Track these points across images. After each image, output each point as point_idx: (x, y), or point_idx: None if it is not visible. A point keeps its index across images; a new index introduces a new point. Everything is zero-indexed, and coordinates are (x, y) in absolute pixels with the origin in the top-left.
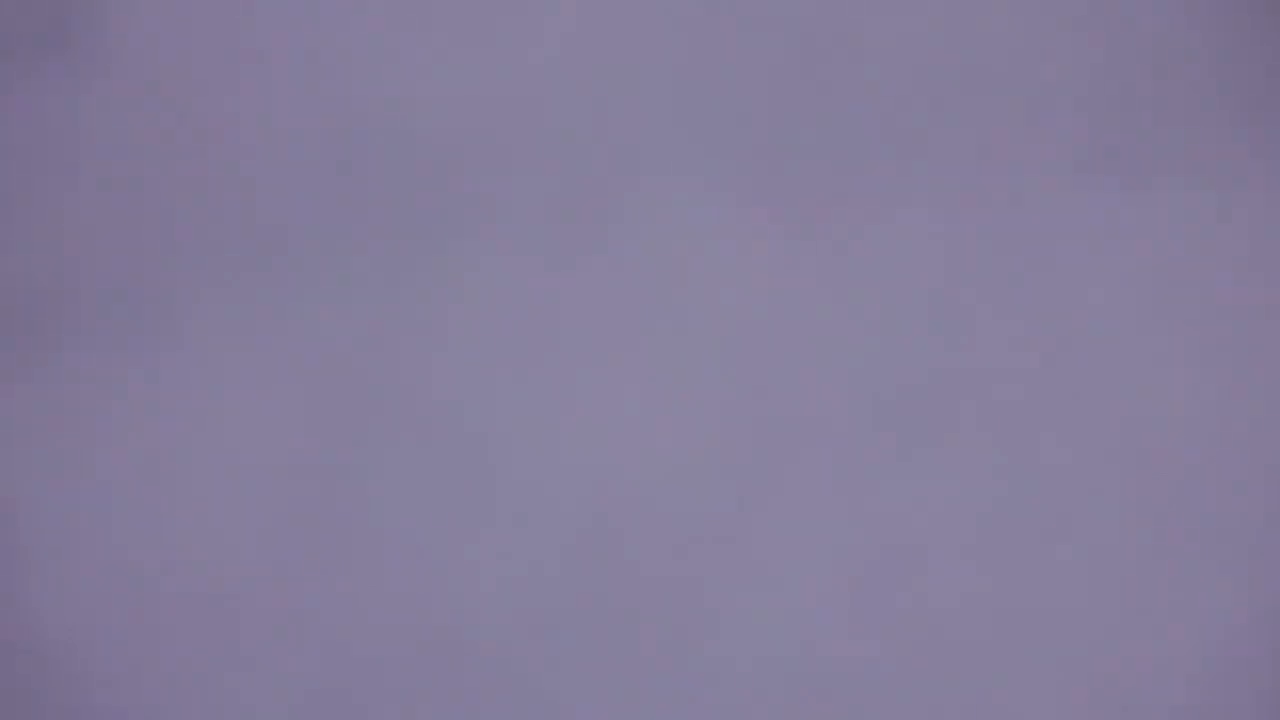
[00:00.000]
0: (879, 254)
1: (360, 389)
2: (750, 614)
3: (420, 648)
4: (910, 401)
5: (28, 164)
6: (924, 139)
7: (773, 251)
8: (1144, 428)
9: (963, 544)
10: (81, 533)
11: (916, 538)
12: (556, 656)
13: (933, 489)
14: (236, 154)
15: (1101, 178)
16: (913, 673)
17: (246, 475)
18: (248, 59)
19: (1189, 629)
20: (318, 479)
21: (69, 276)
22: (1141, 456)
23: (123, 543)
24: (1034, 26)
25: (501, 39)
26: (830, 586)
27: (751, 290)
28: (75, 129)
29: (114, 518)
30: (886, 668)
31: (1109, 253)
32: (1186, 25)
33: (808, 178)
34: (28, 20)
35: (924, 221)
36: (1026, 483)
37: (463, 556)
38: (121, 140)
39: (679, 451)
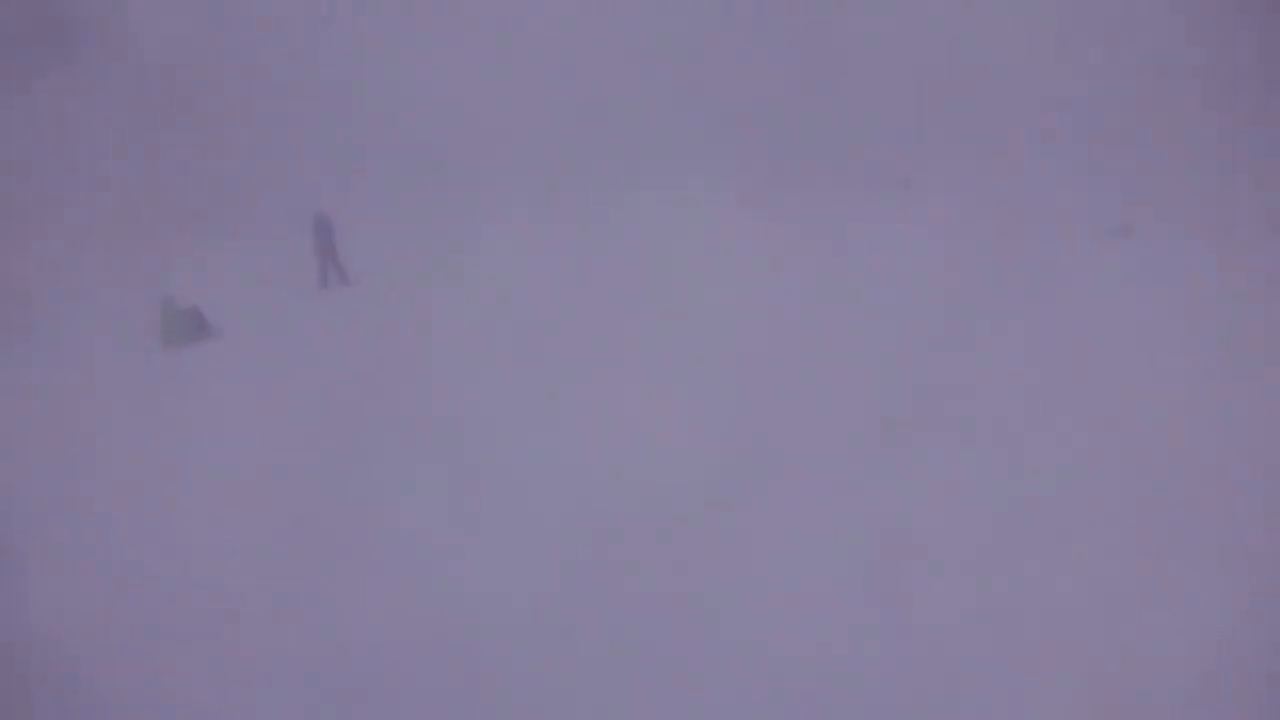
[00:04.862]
0: (883, 258)
1: (361, 390)
2: (751, 614)
3: (421, 648)
4: (911, 405)
5: (28, 160)
6: (928, 146)
7: (775, 255)
8: (1144, 430)
9: (963, 545)
10: (81, 534)
11: (917, 540)
12: (557, 656)
13: (933, 491)
14: (237, 154)
15: (1103, 185)
16: (913, 671)
17: (247, 477)
18: (250, 61)
19: (1189, 628)
20: (319, 480)
21: (67, 274)
22: (1142, 459)
23: (123, 544)
24: (1041, 34)
25: (500, 41)
26: (831, 587)
27: (754, 294)
28: (76, 126)
29: (113, 519)
30: (888, 667)
31: (1109, 258)
32: (1189, 38)
33: (812, 183)
34: (29, 21)
35: (927, 225)
36: (1027, 486)
37: (464, 556)
38: (121, 138)
39: (681, 454)
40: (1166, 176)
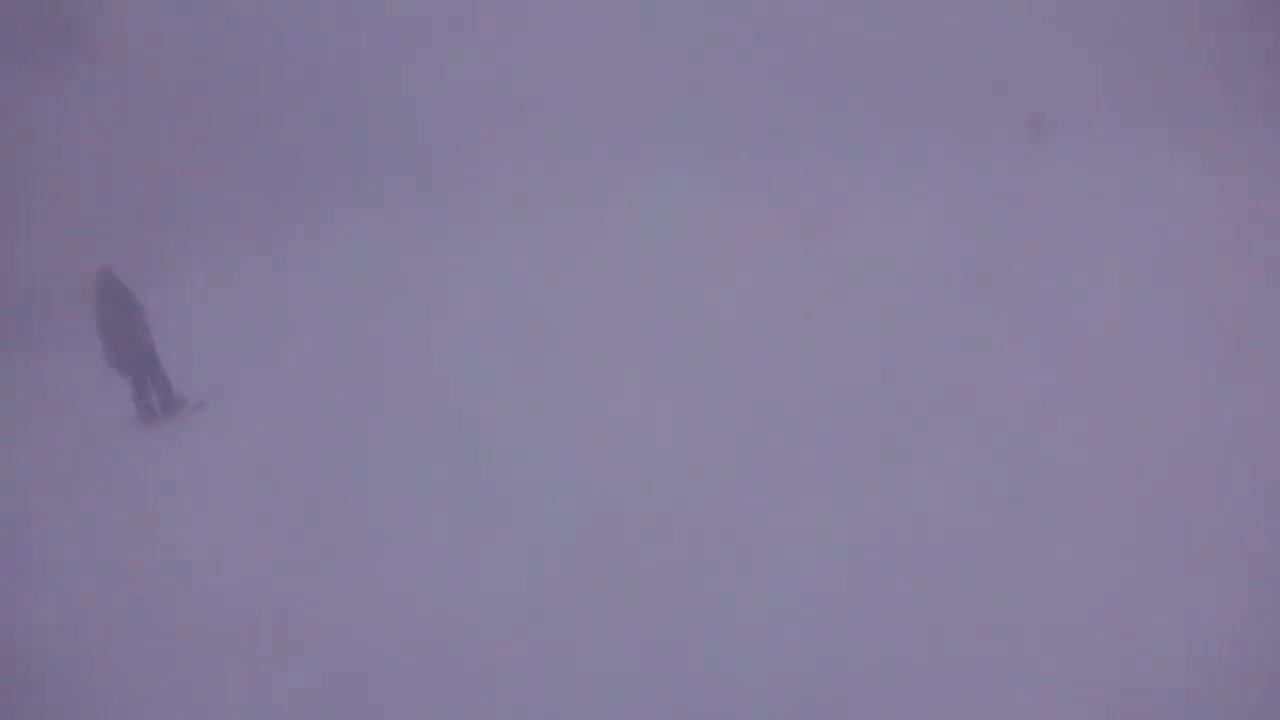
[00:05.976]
0: (881, 250)
1: (356, 385)
2: (752, 612)
3: (420, 646)
4: (913, 400)
5: (30, 158)
6: (923, 124)
7: (773, 251)
8: (1147, 428)
9: (964, 542)
10: (81, 535)
11: (918, 538)
12: (556, 654)
13: (935, 489)
14: (239, 153)
15: (1104, 178)
16: (914, 670)
17: (246, 476)
18: (252, 60)
19: (1189, 626)
20: (318, 478)
21: (67, 273)
22: (1144, 457)
23: (122, 544)
24: (1035, 21)
25: (503, 45)
26: (832, 584)
27: (751, 289)
28: (77, 125)
29: (113, 519)
30: (888, 666)
31: (1112, 251)
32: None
33: (811, 178)
34: (30, 20)
35: (925, 215)
36: (1028, 482)
37: (462, 554)
38: (122, 137)
39: (681, 451)
40: (1173, 168)
